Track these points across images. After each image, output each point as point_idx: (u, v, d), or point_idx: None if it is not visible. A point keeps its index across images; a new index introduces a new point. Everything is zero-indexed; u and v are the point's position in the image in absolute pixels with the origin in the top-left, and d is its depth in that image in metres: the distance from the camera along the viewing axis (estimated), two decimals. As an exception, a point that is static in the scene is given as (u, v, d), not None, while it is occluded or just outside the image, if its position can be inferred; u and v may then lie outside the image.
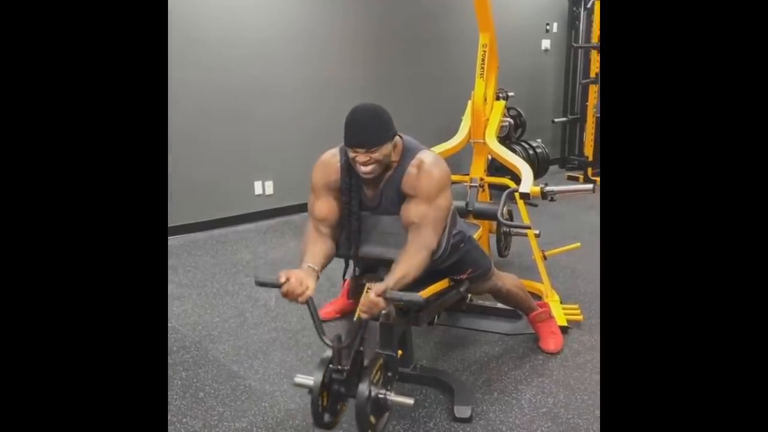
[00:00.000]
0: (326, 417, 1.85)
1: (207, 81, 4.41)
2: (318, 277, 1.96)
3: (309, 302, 1.89)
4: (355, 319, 1.90)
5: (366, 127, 1.92)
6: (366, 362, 1.88)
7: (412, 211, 2.00)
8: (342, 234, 2.14)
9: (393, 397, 1.88)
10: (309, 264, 1.96)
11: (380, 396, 1.84)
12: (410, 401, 1.87)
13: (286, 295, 1.86)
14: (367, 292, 1.89)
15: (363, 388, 1.77)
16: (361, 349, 1.90)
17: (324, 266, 2.04)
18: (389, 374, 1.93)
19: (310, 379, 1.82)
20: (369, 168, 1.95)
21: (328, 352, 1.86)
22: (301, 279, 1.87)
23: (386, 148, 1.96)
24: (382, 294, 1.81)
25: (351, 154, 1.97)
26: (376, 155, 1.93)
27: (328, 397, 1.85)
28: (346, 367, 1.84)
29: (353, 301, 1.92)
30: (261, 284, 1.97)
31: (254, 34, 4.56)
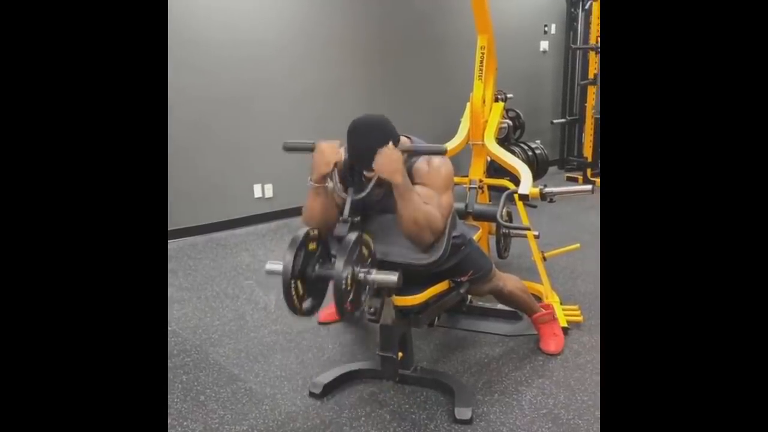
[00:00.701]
0: (305, 303, 1.82)
1: (206, 84, 4.42)
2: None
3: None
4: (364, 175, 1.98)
5: (368, 148, 1.96)
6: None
7: (421, 192, 2.02)
8: None
9: (375, 275, 1.85)
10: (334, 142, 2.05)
11: (360, 275, 1.81)
12: (393, 278, 1.84)
13: (320, 151, 1.98)
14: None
15: (340, 265, 1.73)
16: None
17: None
18: (370, 253, 1.91)
19: (279, 264, 1.78)
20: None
21: (300, 232, 1.82)
22: (333, 147, 1.99)
23: None
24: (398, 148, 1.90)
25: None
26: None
27: (304, 282, 1.81)
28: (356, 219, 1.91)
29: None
30: (292, 149, 2.12)
31: (253, 38, 4.57)
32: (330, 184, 2.06)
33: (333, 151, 2.01)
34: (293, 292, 1.77)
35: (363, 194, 1.98)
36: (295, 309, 1.80)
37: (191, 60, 4.30)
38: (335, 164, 2.00)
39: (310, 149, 2.04)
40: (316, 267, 1.86)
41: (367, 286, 1.87)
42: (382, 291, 2.07)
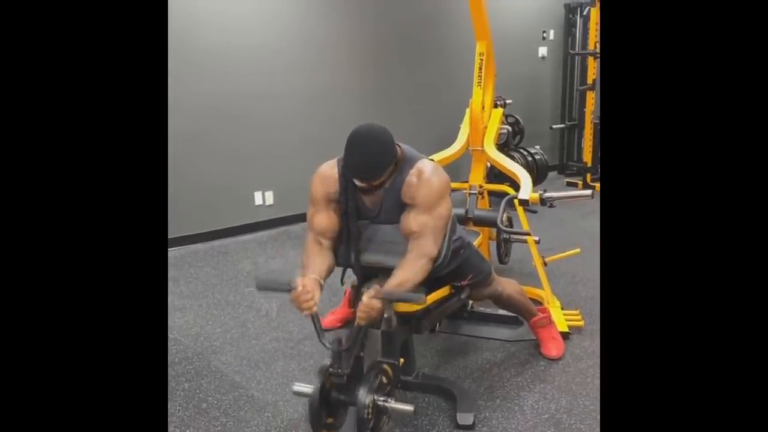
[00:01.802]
0: (326, 425, 1.85)
1: (206, 92, 4.43)
2: (322, 288, 1.98)
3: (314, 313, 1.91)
4: (355, 325, 1.91)
5: (366, 162, 1.95)
6: (366, 369, 1.89)
7: (412, 220, 2.01)
8: (341, 244, 2.15)
9: (393, 404, 1.87)
10: (313, 276, 1.97)
11: (380, 403, 1.84)
12: (410, 408, 1.86)
13: (295, 299, 1.88)
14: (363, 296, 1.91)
15: (362, 394, 1.77)
16: (361, 354, 1.91)
17: (326, 278, 2.06)
18: (389, 381, 1.93)
19: (309, 387, 1.82)
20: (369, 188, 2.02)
21: (327, 360, 1.86)
22: (309, 288, 1.90)
23: (387, 174, 2.01)
24: (376, 295, 1.83)
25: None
26: (377, 182, 1.99)
27: (328, 405, 1.85)
28: (346, 371, 1.84)
29: (354, 311, 1.93)
30: (266, 289, 2.03)
31: (253, 45, 4.59)
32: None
33: (312, 287, 1.92)
34: (320, 418, 1.82)
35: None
36: (318, 429, 1.84)
37: (190, 67, 4.32)
38: (318, 297, 1.94)
39: (287, 290, 1.91)
40: (338, 394, 1.87)
41: (386, 415, 1.88)
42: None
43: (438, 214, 2.02)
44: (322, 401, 1.81)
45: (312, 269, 2.02)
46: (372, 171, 1.97)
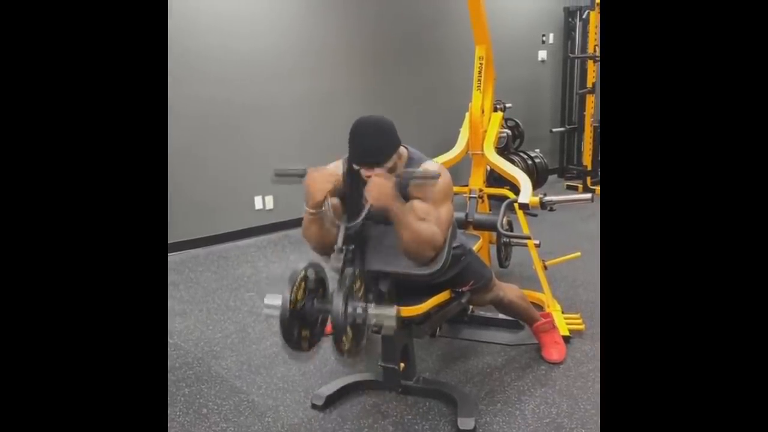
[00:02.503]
0: (303, 341, 1.82)
1: (206, 96, 4.44)
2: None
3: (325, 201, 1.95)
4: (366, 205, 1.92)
5: (370, 145, 1.96)
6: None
7: (417, 207, 2.02)
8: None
9: (373, 310, 1.83)
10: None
11: (359, 310, 1.79)
12: (392, 312, 1.81)
13: (311, 179, 1.94)
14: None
15: (338, 300, 1.71)
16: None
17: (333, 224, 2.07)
18: (367, 287, 1.90)
19: (278, 298, 1.77)
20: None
21: (299, 266, 1.83)
22: (325, 175, 1.96)
23: (391, 161, 2.00)
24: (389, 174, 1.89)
25: (356, 167, 2.00)
26: (381, 169, 1.97)
27: (302, 318, 1.81)
28: (351, 248, 1.89)
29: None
30: (282, 176, 2.08)
31: (252, 50, 4.60)
32: (327, 210, 2.06)
33: (326, 177, 1.97)
34: (292, 330, 1.77)
35: (355, 223, 1.97)
36: (293, 345, 1.81)
37: (191, 73, 4.32)
38: (329, 191, 1.97)
39: (301, 175, 2.00)
40: (314, 302, 1.86)
41: (365, 323, 1.85)
42: (383, 302, 2.07)
43: (440, 212, 2.04)
44: (293, 312, 1.75)
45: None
46: (377, 154, 1.97)
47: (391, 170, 2.00)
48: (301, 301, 1.81)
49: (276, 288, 1.85)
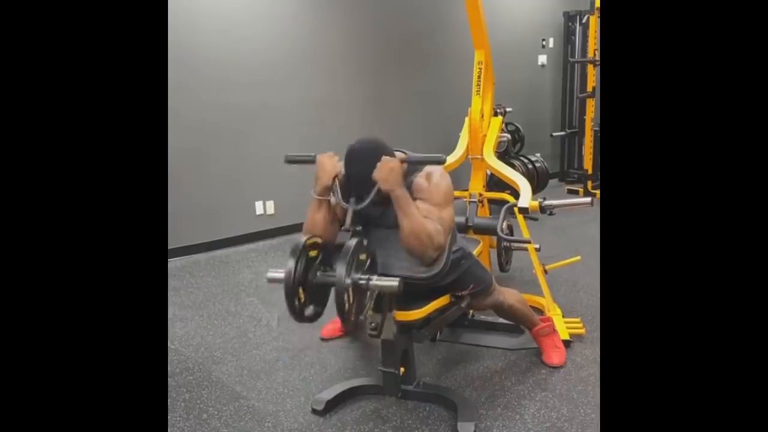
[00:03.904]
0: (307, 310, 1.83)
1: (207, 100, 4.45)
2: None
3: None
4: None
5: (365, 174, 1.98)
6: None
7: (420, 207, 2.03)
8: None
9: (376, 281, 1.86)
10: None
11: (361, 282, 1.81)
12: (394, 283, 1.83)
13: (322, 160, 2.04)
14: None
15: (341, 270, 1.73)
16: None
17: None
18: (370, 258, 1.92)
19: (282, 272, 1.79)
20: None
21: (301, 239, 1.85)
22: (334, 161, 2.05)
23: None
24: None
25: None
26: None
27: (305, 289, 1.83)
28: (357, 228, 1.95)
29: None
30: (293, 162, 2.18)
31: (253, 55, 4.61)
32: (332, 198, 2.09)
33: (334, 163, 2.06)
34: (295, 299, 1.78)
35: (363, 205, 2.00)
36: (297, 315, 1.81)
37: (191, 78, 4.34)
38: (336, 176, 2.04)
39: (312, 161, 2.10)
40: (318, 274, 1.88)
41: (368, 292, 1.87)
42: (383, 305, 2.07)
43: (442, 215, 2.05)
44: (297, 281, 1.77)
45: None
46: (373, 184, 1.98)
47: None
48: (306, 272, 1.83)
49: (277, 292, 1.85)
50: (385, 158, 1.96)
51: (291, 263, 1.78)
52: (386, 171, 1.95)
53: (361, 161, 2.01)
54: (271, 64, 4.72)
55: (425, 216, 2.01)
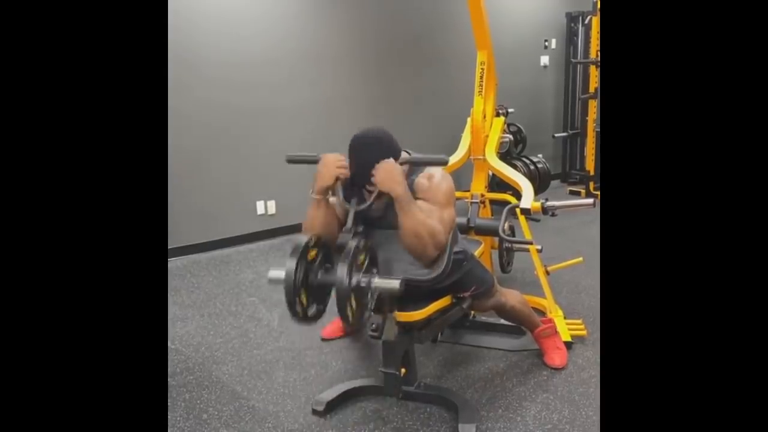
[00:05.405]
0: (309, 310, 1.82)
1: (208, 101, 4.45)
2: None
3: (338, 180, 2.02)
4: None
5: (370, 163, 1.97)
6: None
7: (422, 206, 2.02)
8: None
9: (377, 282, 1.84)
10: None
11: (362, 283, 1.79)
12: (396, 283, 1.82)
13: (325, 161, 2.02)
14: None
15: (342, 271, 1.71)
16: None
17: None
18: (371, 259, 1.90)
19: (281, 271, 1.77)
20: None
21: (302, 239, 1.83)
22: (338, 161, 2.02)
23: None
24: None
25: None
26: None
27: (307, 289, 1.81)
28: (359, 230, 1.94)
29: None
30: (295, 161, 2.16)
31: (255, 55, 4.61)
32: (332, 198, 2.08)
33: (337, 164, 2.02)
34: (296, 300, 1.77)
35: (365, 206, 2.00)
36: (298, 316, 1.80)
37: (192, 79, 4.34)
38: (338, 178, 2.02)
39: (314, 161, 2.08)
40: (319, 274, 1.87)
41: (369, 293, 1.86)
42: (384, 306, 2.06)
43: (444, 214, 2.04)
44: (298, 282, 1.75)
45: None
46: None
47: None
48: (307, 272, 1.82)
49: (277, 292, 1.84)
50: (384, 161, 1.94)
51: (291, 264, 1.77)
52: (384, 173, 1.93)
53: (365, 150, 1.99)
54: (273, 65, 4.72)
55: (426, 215, 2.00)
